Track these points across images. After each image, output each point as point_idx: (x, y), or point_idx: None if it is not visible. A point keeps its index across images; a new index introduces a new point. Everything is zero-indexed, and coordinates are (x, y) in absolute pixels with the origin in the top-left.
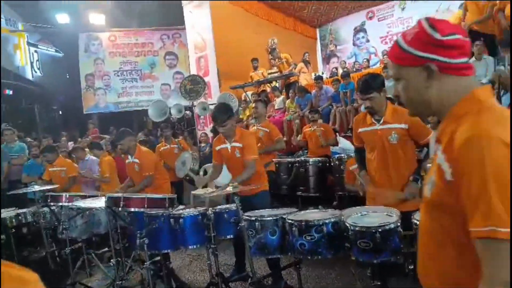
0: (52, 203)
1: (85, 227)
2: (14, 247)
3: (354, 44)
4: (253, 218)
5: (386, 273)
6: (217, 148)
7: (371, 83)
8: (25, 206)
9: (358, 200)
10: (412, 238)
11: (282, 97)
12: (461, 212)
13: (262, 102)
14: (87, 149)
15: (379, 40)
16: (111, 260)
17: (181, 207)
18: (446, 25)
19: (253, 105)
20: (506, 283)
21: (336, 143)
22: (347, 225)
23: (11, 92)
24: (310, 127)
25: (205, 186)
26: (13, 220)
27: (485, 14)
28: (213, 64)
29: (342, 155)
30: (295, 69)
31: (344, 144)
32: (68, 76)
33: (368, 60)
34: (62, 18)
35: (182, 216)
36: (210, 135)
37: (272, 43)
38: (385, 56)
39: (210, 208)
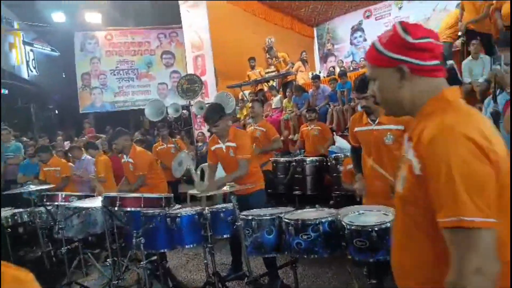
0: (48, 203)
1: (81, 226)
2: (10, 247)
3: (351, 43)
4: (250, 217)
5: (382, 272)
6: (212, 148)
7: (368, 82)
8: (21, 205)
9: (355, 199)
10: None
11: (279, 96)
12: (430, 206)
13: (259, 102)
14: (83, 149)
15: None
16: (108, 260)
17: (177, 206)
18: (418, 29)
19: (250, 104)
20: (473, 271)
21: (333, 143)
22: (344, 224)
23: (6, 92)
24: (307, 126)
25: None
26: (9, 219)
27: (482, 13)
28: (210, 63)
29: (339, 154)
30: (292, 68)
31: (341, 143)
32: (64, 75)
33: (365, 59)
34: (58, 17)
35: (178, 215)
36: (207, 134)
37: (269, 42)
38: None
39: (207, 208)
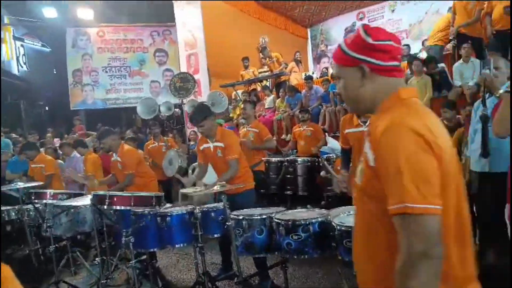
0: (36, 200)
1: (70, 225)
2: None
3: None
4: (241, 217)
5: None
6: (201, 147)
7: None
8: (8, 203)
9: (346, 199)
10: None
11: (272, 96)
12: (384, 197)
13: (251, 103)
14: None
15: None
16: (96, 259)
17: (168, 205)
18: (380, 32)
19: (242, 106)
20: (419, 255)
21: (325, 144)
22: (334, 224)
23: None
24: (299, 127)
25: (193, 185)
26: None
27: (473, 17)
28: (204, 62)
29: (331, 155)
30: (285, 68)
31: (333, 144)
32: (55, 72)
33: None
34: (49, 13)
35: (169, 214)
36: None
37: (263, 42)
38: None
39: (198, 207)
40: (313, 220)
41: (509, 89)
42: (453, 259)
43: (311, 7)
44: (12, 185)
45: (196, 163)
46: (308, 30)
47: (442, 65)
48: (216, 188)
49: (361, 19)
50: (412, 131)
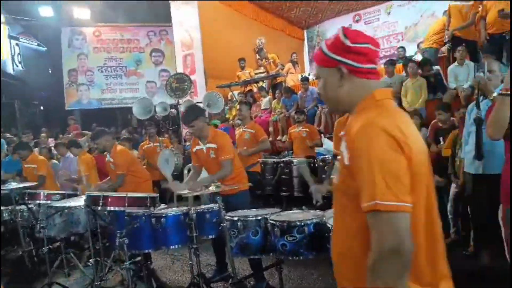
0: (29, 201)
1: (64, 226)
2: None
3: None
4: (236, 218)
5: None
6: (194, 149)
7: None
8: (1, 203)
9: None
10: None
11: (268, 97)
12: (359, 195)
13: (246, 104)
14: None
15: None
16: (90, 260)
17: (163, 206)
18: (358, 35)
19: (238, 106)
20: (389, 250)
21: (320, 144)
22: (329, 226)
23: None
24: (295, 128)
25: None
26: None
27: (468, 20)
28: (200, 62)
29: (327, 156)
30: (282, 69)
31: (329, 145)
32: (50, 71)
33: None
34: (45, 11)
35: (163, 215)
36: None
37: (260, 43)
38: None
39: (193, 208)
40: (308, 221)
41: (504, 92)
42: (423, 255)
43: (308, 9)
44: (6, 185)
45: (191, 164)
46: (305, 31)
47: (437, 67)
48: (211, 189)
49: (357, 21)
50: (384, 132)
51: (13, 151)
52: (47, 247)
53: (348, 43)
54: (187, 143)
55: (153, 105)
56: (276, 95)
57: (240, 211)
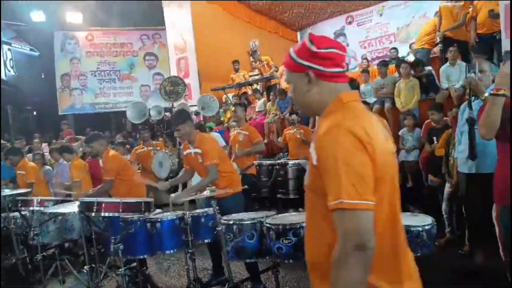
0: (22, 208)
1: (58, 232)
2: None
3: None
4: (231, 222)
5: None
6: (185, 153)
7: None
8: None
9: None
10: None
11: (263, 99)
12: (326, 194)
13: (241, 106)
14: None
15: (358, 45)
16: (85, 267)
17: (158, 211)
18: (324, 40)
19: (233, 108)
20: (352, 246)
21: None
22: None
23: None
24: (290, 129)
25: (171, 190)
26: None
27: (459, 21)
28: (194, 65)
29: None
30: (276, 71)
31: None
32: (43, 76)
33: (347, 64)
34: (37, 16)
35: (158, 220)
36: None
37: (253, 45)
38: (364, 60)
39: (188, 212)
40: (304, 224)
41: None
42: (386, 252)
43: (301, 10)
44: None
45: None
46: (298, 33)
47: (429, 68)
48: (206, 193)
49: (349, 23)
50: (349, 133)
51: (5, 157)
52: (41, 254)
53: (314, 48)
54: (182, 147)
55: (147, 109)
56: (270, 97)
57: (235, 214)
